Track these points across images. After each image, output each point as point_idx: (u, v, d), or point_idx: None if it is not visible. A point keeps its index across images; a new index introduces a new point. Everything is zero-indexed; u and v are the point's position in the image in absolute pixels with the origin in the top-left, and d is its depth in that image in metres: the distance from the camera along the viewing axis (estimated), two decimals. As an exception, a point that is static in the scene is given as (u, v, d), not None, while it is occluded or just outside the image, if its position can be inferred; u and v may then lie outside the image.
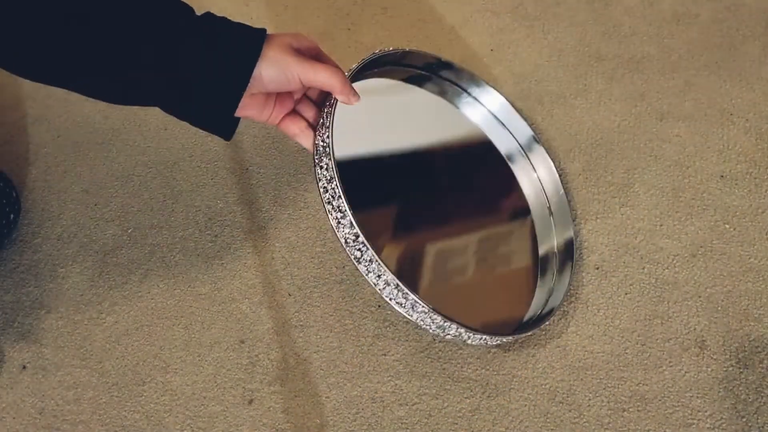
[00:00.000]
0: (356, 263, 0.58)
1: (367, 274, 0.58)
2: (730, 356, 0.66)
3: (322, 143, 0.59)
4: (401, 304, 0.58)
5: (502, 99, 0.76)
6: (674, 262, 0.72)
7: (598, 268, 0.71)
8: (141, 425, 0.62)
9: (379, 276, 0.57)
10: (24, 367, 0.66)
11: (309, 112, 0.62)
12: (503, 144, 0.76)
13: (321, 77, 0.56)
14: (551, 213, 0.73)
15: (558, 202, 0.74)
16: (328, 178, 0.57)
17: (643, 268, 0.71)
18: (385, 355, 0.66)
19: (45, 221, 0.75)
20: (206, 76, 0.53)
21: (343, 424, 0.62)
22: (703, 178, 0.78)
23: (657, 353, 0.66)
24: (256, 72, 0.54)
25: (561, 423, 0.62)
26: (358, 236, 0.56)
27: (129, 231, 0.75)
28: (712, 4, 0.94)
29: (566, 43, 0.91)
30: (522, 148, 0.76)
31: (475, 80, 0.75)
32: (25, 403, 0.64)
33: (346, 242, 0.58)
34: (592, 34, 0.92)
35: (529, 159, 0.76)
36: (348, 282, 0.71)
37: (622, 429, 0.62)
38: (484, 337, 0.60)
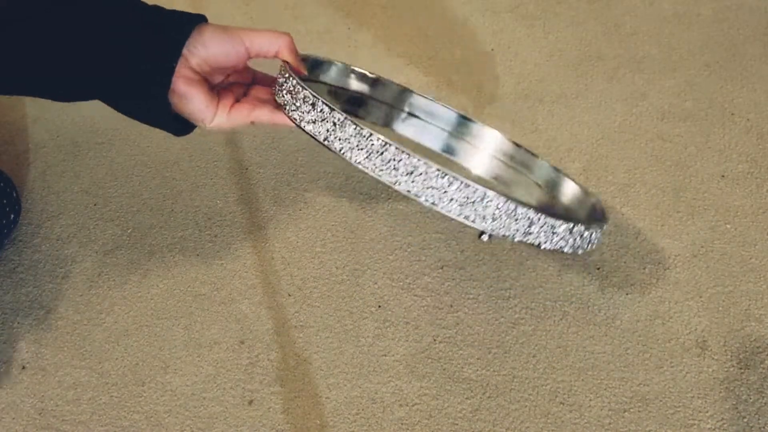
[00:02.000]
0: (332, 137, 0.52)
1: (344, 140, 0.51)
2: (731, 357, 0.66)
3: (280, 79, 0.55)
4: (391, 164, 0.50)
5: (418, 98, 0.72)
6: (675, 262, 0.72)
7: (599, 269, 0.71)
8: (140, 426, 0.62)
9: (361, 135, 0.50)
10: (23, 368, 0.65)
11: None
12: (436, 140, 0.73)
13: (267, 37, 0.55)
14: (515, 169, 0.72)
15: (515, 154, 0.71)
16: (287, 81, 0.54)
17: (644, 268, 0.71)
18: (385, 355, 0.66)
19: (44, 221, 0.75)
20: (143, 41, 0.52)
21: (343, 425, 0.62)
22: (704, 178, 0.78)
23: (658, 354, 0.66)
24: (196, 35, 0.53)
25: (562, 423, 0.62)
26: (332, 109, 0.51)
27: (128, 231, 0.74)
28: (713, 4, 0.94)
29: (567, 43, 0.91)
30: (456, 134, 0.73)
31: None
32: (24, 403, 0.63)
33: (321, 114, 0.52)
34: (592, 33, 0.92)
35: (468, 141, 0.73)
36: (348, 282, 0.70)
37: (622, 429, 0.62)
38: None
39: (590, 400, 0.64)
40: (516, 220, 0.52)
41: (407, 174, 0.50)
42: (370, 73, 0.70)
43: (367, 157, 0.51)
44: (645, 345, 0.66)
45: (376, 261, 0.72)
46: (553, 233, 0.54)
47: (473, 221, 0.51)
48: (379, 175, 0.51)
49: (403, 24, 0.94)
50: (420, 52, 0.91)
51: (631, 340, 0.67)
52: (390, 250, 0.73)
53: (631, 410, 0.63)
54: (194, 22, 0.53)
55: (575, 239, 0.56)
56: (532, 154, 0.72)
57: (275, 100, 0.57)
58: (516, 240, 0.53)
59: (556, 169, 0.71)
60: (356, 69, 0.69)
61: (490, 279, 0.71)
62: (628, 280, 0.70)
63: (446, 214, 0.51)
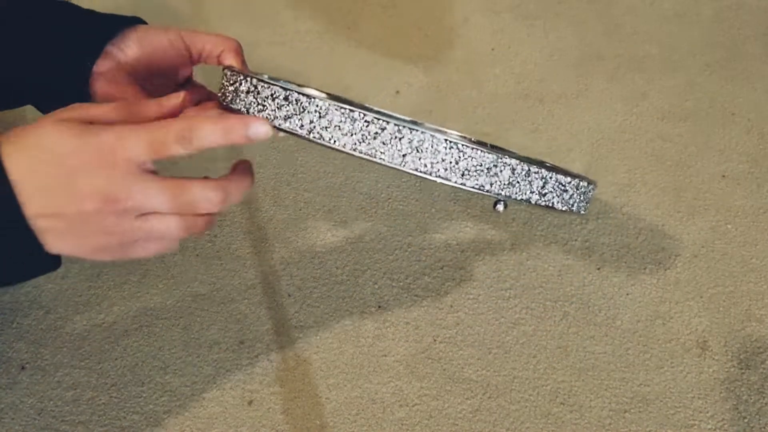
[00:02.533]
0: (317, 128, 0.46)
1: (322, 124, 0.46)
2: (731, 357, 0.66)
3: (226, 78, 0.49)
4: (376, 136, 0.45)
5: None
6: (676, 262, 0.71)
7: (599, 269, 0.71)
8: (140, 426, 0.62)
9: (352, 118, 0.45)
10: (23, 368, 0.65)
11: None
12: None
13: (210, 39, 0.51)
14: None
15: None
16: (244, 82, 0.48)
17: (645, 269, 0.71)
18: (385, 356, 0.66)
19: (44, 221, 0.75)
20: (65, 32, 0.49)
21: (343, 426, 0.62)
22: (705, 178, 0.78)
23: (658, 354, 0.66)
24: (128, 33, 0.49)
25: (562, 424, 0.62)
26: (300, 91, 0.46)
27: (128, 231, 0.74)
28: (713, 4, 0.94)
29: (567, 42, 0.91)
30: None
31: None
32: (24, 403, 0.63)
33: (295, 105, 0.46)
34: (593, 33, 0.92)
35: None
36: (348, 282, 0.70)
37: (623, 430, 0.62)
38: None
39: (591, 400, 0.63)
40: (530, 182, 0.49)
41: (413, 151, 0.46)
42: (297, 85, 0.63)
43: (363, 142, 0.46)
44: (645, 345, 0.66)
45: (376, 261, 0.72)
46: (564, 191, 0.51)
47: (489, 190, 0.48)
48: (381, 159, 0.46)
49: (403, 24, 0.94)
50: (420, 52, 0.91)
51: (632, 341, 0.67)
52: (390, 250, 0.73)
53: (632, 411, 0.63)
54: (124, 22, 0.50)
55: (581, 196, 0.53)
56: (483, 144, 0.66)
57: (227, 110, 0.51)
58: (533, 203, 0.50)
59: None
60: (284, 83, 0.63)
61: (490, 279, 0.70)
62: (629, 281, 0.70)
63: (461, 188, 0.47)
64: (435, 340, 0.67)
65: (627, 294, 0.70)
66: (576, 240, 0.73)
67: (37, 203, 0.41)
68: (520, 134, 0.82)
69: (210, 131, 0.42)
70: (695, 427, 0.62)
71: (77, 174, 0.40)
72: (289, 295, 0.70)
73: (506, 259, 0.72)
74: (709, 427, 0.62)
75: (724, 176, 0.78)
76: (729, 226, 0.74)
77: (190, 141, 0.42)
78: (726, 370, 0.65)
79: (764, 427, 0.62)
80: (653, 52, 0.89)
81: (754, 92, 0.85)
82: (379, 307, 0.69)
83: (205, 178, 0.44)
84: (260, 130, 0.43)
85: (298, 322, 0.68)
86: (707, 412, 0.63)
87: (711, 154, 0.79)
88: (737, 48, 0.89)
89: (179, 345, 0.67)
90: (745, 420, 0.62)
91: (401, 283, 0.70)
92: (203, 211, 0.44)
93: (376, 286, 0.70)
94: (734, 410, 0.63)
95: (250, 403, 0.63)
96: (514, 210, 0.75)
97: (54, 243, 0.42)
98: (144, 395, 0.64)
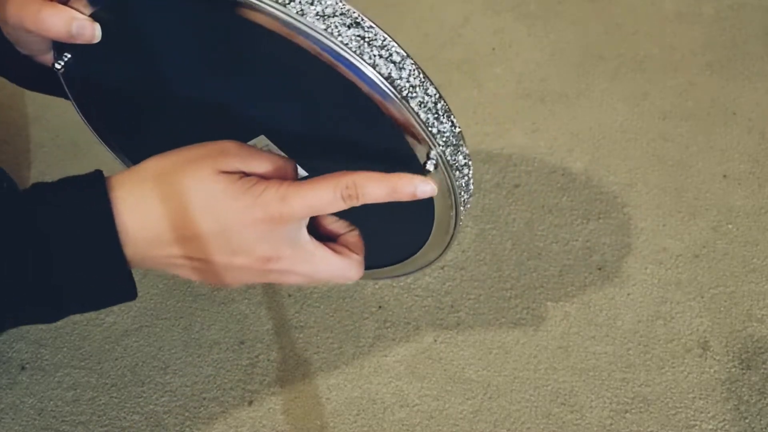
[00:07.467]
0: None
1: None
2: (732, 357, 0.66)
3: None
4: None
5: None
6: (677, 262, 0.71)
7: (600, 269, 0.71)
8: (140, 426, 0.62)
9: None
10: (23, 368, 0.65)
11: None
12: None
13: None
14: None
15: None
16: None
17: (646, 269, 0.71)
18: (385, 356, 0.66)
19: (44, 221, 0.75)
20: None
21: (343, 426, 0.62)
22: (706, 178, 0.77)
23: (659, 354, 0.66)
24: None
25: (563, 425, 0.62)
26: None
27: (128, 231, 0.74)
28: (714, 3, 0.94)
29: (568, 42, 0.91)
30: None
31: None
32: (24, 403, 0.63)
33: None
34: (594, 33, 0.92)
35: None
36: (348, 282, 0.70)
37: (624, 430, 0.62)
38: None
39: (591, 401, 0.63)
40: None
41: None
42: None
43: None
44: (646, 345, 0.66)
45: (376, 261, 0.72)
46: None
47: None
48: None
49: (403, 24, 0.94)
50: (420, 52, 0.90)
51: (633, 341, 0.66)
52: (390, 250, 0.72)
53: (633, 411, 0.63)
54: None
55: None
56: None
57: None
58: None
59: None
60: None
61: (491, 279, 0.70)
62: (630, 281, 0.70)
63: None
64: (435, 341, 0.67)
65: (628, 294, 0.69)
66: (577, 240, 0.73)
67: (188, 248, 0.41)
68: (520, 134, 0.81)
69: (376, 188, 0.40)
70: (696, 427, 0.62)
71: (236, 230, 0.40)
72: (289, 295, 0.70)
73: (506, 259, 0.72)
74: (711, 427, 0.62)
75: (725, 176, 0.78)
76: (730, 226, 0.74)
77: (357, 198, 0.40)
78: (727, 370, 0.65)
79: (765, 428, 0.62)
80: (654, 51, 0.89)
81: (755, 92, 0.84)
82: (380, 307, 0.69)
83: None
84: (426, 189, 0.41)
85: (298, 322, 0.68)
86: (708, 413, 0.62)
87: (712, 154, 0.79)
88: (738, 48, 0.89)
89: (179, 345, 0.66)
90: (746, 420, 0.62)
91: (401, 283, 0.70)
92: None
93: (377, 286, 0.70)
94: (735, 410, 0.63)
95: (250, 403, 0.63)
96: (515, 210, 0.75)
97: (179, 273, 0.43)
98: (144, 395, 0.64)
